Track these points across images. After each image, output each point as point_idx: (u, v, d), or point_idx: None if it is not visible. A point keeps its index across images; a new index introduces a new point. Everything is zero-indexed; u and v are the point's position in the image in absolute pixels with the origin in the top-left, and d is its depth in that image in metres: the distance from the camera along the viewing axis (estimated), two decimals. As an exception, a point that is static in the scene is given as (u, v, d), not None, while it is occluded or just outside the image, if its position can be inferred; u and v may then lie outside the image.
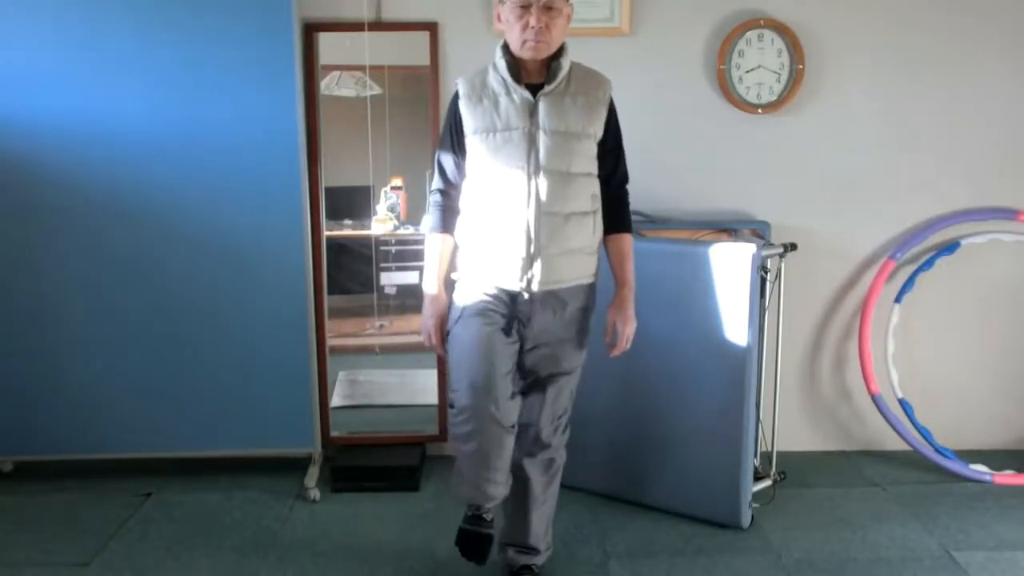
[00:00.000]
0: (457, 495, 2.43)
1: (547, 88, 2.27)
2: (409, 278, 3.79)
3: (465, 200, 2.37)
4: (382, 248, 3.84)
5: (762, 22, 3.27)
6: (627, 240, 2.44)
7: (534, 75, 2.30)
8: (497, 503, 2.42)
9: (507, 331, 2.33)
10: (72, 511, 3.06)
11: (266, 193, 3.10)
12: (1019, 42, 3.33)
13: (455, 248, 2.41)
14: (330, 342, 3.41)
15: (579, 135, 2.29)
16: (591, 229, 2.34)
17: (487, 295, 2.33)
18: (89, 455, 3.27)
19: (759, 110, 3.32)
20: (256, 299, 3.16)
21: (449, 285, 2.43)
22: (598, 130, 2.33)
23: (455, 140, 2.35)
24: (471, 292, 2.35)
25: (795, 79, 3.29)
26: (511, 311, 2.32)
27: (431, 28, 3.26)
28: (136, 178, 3.08)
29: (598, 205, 2.37)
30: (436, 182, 2.42)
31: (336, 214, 3.55)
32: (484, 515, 2.45)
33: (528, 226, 2.26)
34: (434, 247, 2.41)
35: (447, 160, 2.38)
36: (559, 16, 2.24)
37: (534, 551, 2.54)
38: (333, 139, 3.37)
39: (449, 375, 2.46)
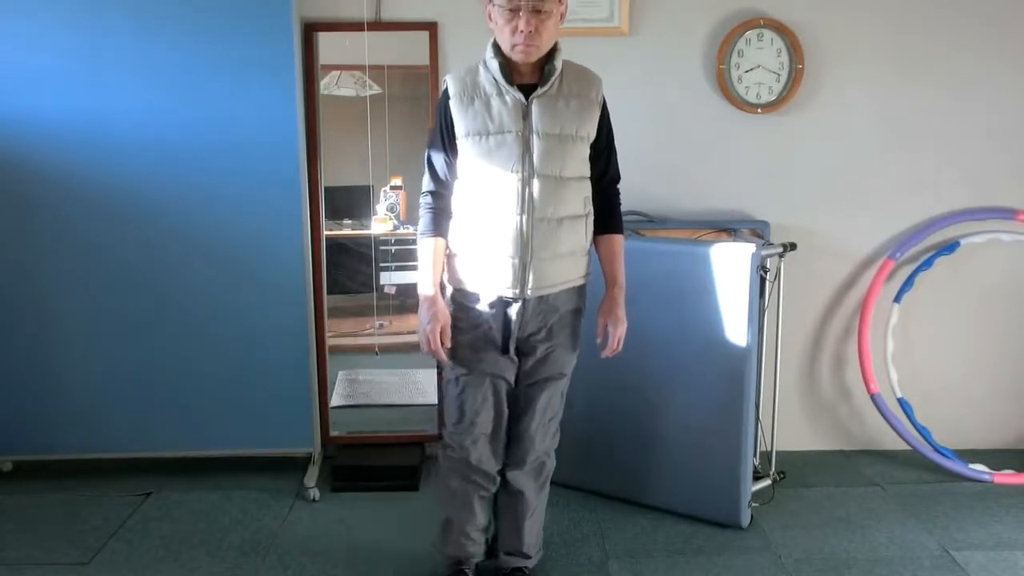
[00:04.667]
0: (441, 551, 2.56)
1: (540, 90, 2.23)
2: (409, 278, 3.78)
3: (456, 203, 2.32)
4: (381, 248, 3.84)
5: (761, 22, 3.27)
6: (618, 241, 2.41)
7: (526, 76, 2.25)
8: (475, 560, 2.54)
9: (504, 348, 2.32)
10: (72, 511, 3.06)
11: (266, 193, 3.10)
12: (1019, 42, 3.33)
13: (449, 252, 2.35)
14: (330, 342, 3.41)
15: (573, 138, 2.25)
16: (583, 232, 2.33)
17: (479, 309, 2.31)
18: (89, 455, 3.27)
19: (758, 110, 3.32)
20: (256, 299, 3.16)
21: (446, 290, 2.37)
22: (591, 131, 2.29)
23: (446, 141, 2.28)
24: (464, 306, 2.33)
25: (794, 79, 3.29)
26: (504, 319, 2.30)
27: (431, 28, 3.27)
28: (135, 178, 3.08)
29: (591, 207, 2.35)
30: (427, 183, 2.34)
31: (336, 214, 3.55)
32: (467, 570, 2.54)
33: (521, 231, 2.23)
34: (427, 251, 2.31)
35: (438, 161, 2.31)
36: (550, 18, 2.17)
37: (526, 556, 2.55)
38: (333, 139, 3.37)
39: (445, 416, 2.46)
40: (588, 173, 2.33)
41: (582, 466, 3.13)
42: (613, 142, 2.38)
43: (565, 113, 2.24)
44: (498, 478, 2.46)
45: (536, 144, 2.21)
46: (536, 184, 2.22)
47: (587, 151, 2.31)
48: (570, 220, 2.28)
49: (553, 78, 2.24)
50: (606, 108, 2.33)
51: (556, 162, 2.23)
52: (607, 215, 2.39)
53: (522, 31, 2.14)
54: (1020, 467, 3.33)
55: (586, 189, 2.33)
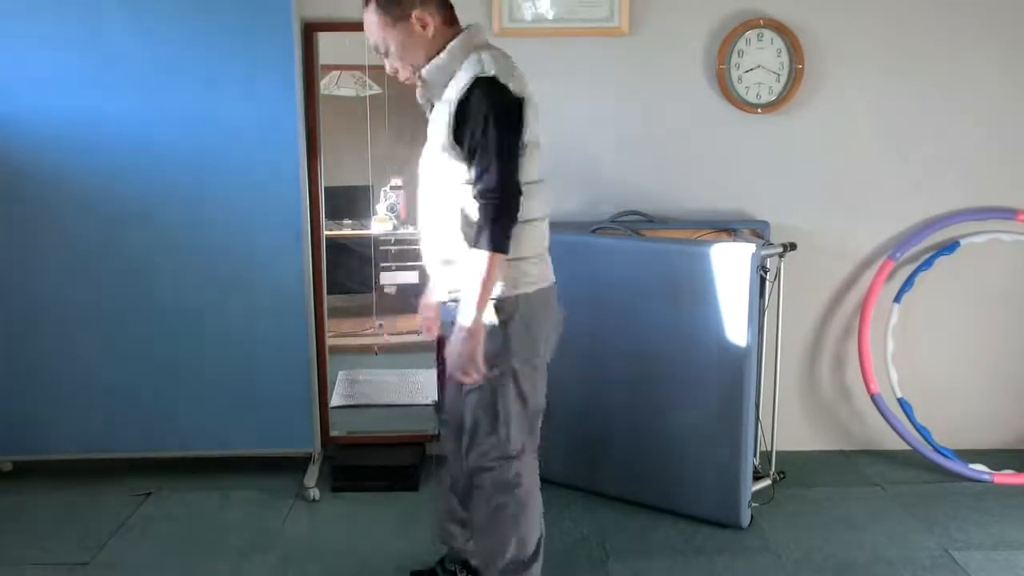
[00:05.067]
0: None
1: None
2: (408, 278, 3.79)
3: None
4: (381, 248, 3.85)
5: (761, 22, 3.27)
6: (474, 256, 2.08)
7: None
8: (453, 548, 2.52)
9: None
10: (72, 511, 3.06)
11: (266, 192, 3.10)
12: (1017, 42, 3.33)
13: None
14: (330, 342, 3.41)
15: (434, 144, 2.17)
16: (465, 243, 2.13)
17: None
18: (89, 455, 3.27)
19: (758, 110, 3.32)
20: (256, 299, 3.15)
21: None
22: (447, 135, 2.09)
23: None
24: None
25: (794, 79, 3.29)
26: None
27: (431, 28, 3.26)
28: (134, 178, 3.08)
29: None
30: None
31: (336, 214, 3.56)
32: (447, 561, 2.53)
33: (423, 240, 2.30)
34: None
35: None
36: (392, 49, 2.14)
37: (473, 570, 2.44)
38: (333, 139, 3.37)
39: None
40: (464, 179, 2.12)
41: (582, 466, 3.13)
42: (482, 148, 2.05)
43: (434, 119, 2.20)
44: (446, 470, 2.49)
45: (422, 153, 2.27)
46: (421, 193, 2.27)
47: (456, 156, 2.11)
48: (444, 228, 2.17)
49: (429, 82, 2.16)
50: (470, 109, 2.06)
51: (428, 170, 2.23)
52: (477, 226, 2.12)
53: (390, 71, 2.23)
54: (1020, 467, 3.34)
55: (465, 198, 2.11)
